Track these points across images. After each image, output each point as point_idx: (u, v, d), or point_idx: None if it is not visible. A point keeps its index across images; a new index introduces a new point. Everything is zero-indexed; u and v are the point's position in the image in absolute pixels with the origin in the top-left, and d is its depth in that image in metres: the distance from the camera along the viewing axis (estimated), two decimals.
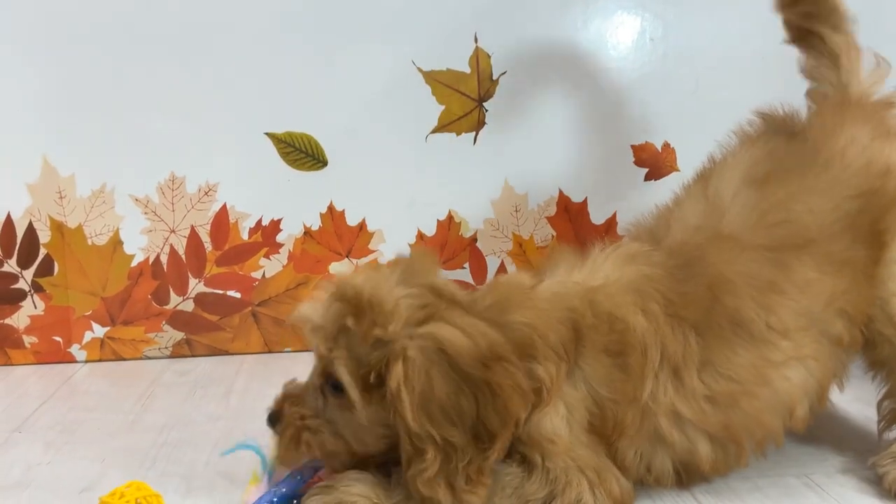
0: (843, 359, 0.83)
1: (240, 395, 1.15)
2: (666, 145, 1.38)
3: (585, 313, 0.77)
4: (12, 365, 1.31)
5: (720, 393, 0.78)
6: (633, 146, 1.38)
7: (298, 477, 0.78)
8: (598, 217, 1.39)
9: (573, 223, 1.39)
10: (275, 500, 0.76)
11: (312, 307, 0.75)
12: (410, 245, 1.35)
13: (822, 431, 0.96)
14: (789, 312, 0.79)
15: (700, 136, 1.37)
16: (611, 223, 1.39)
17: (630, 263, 0.81)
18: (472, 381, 0.69)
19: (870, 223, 0.82)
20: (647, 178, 1.38)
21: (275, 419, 0.78)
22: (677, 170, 1.38)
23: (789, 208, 0.81)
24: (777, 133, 0.90)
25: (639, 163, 1.38)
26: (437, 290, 0.74)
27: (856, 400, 1.01)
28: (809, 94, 0.97)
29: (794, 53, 1.37)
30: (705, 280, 0.79)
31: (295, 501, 0.76)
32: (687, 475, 0.80)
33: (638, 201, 1.37)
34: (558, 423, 0.75)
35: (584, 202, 1.38)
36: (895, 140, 0.86)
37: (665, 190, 1.33)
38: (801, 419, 0.81)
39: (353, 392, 0.71)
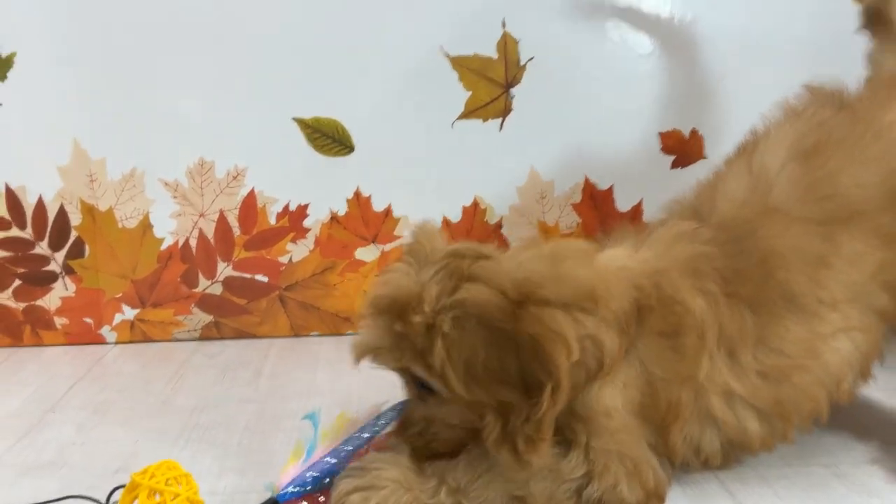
0: (886, 331, 0.83)
1: (269, 379, 1.17)
2: (694, 132, 1.37)
3: (650, 294, 0.76)
4: (44, 346, 1.33)
5: (772, 367, 0.78)
6: (660, 133, 1.37)
7: (334, 461, 0.79)
8: (624, 204, 1.39)
9: (598, 210, 1.39)
10: (307, 477, 0.77)
11: (365, 335, 0.75)
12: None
13: (850, 421, 0.96)
14: (838, 285, 0.79)
15: (728, 123, 1.39)
16: (636, 210, 1.39)
17: (683, 243, 0.81)
18: (506, 335, 0.68)
19: None
20: (675, 165, 1.38)
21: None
22: (704, 157, 1.38)
23: (837, 181, 0.81)
24: (824, 106, 0.88)
25: (666, 150, 1.38)
26: (458, 253, 0.73)
27: (882, 389, 1.01)
28: (868, 80, 0.96)
29: (823, 40, 1.37)
30: (757, 255, 0.79)
31: (326, 480, 0.77)
32: (735, 453, 0.81)
33: (665, 189, 1.35)
34: (617, 396, 0.75)
35: (610, 189, 1.38)
36: None
37: (692, 177, 1.32)
38: (846, 391, 0.81)
39: (433, 382, 0.72)
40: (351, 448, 0.81)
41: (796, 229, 0.80)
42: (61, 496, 0.80)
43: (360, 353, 0.75)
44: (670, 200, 0.92)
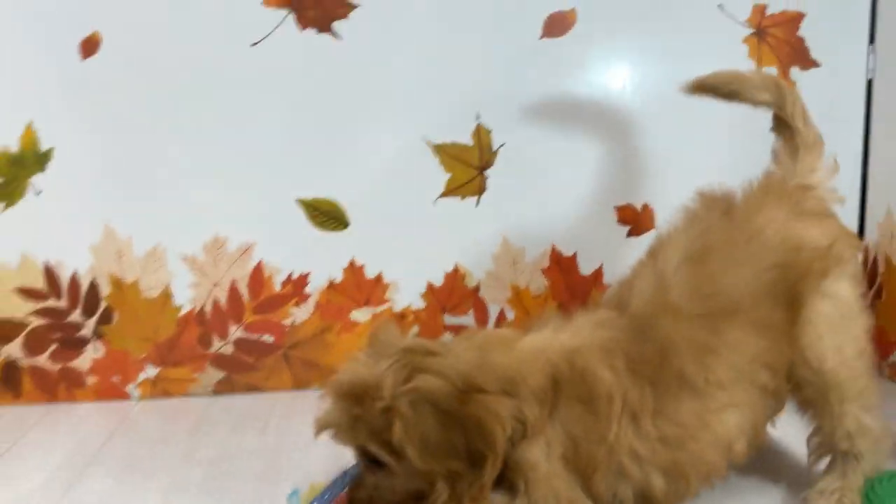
0: (770, 403, 0.99)
1: (276, 431, 1.34)
2: (645, 206, 1.56)
3: (564, 368, 0.91)
4: (76, 401, 1.51)
5: (669, 436, 0.93)
6: (616, 207, 1.56)
7: None
8: (586, 269, 1.57)
9: (564, 274, 1.57)
10: None
11: (325, 415, 0.88)
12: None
13: (763, 467, 1.14)
14: (723, 368, 0.93)
15: (675, 197, 1.57)
16: (597, 274, 1.57)
17: (601, 328, 0.97)
18: (455, 417, 0.81)
19: (786, 290, 0.97)
20: (630, 234, 1.57)
21: None
22: (655, 228, 1.56)
23: (719, 281, 0.96)
24: (712, 210, 1.05)
25: (622, 221, 1.57)
26: (410, 349, 0.88)
27: (791, 437, 1.17)
28: (761, 177, 1.11)
29: (762, 122, 1.56)
30: (657, 343, 0.94)
31: None
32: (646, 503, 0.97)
33: (622, 255, 1.56)
34: (538, 454, 0.89)
35: (574, 256, 1.57)
36: (807, 220, 1.01)
37: (645, 245, 1.52)
38: (739, 453, 0.96)
39: (385, 457, 0.85)
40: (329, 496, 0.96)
41: (687, 323, 0.94)
42: None
43: (320, 430, 0.89)
44: (607, 290, 1.08)
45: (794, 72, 1.55)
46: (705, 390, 0.94)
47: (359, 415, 0.85)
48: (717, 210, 1.05)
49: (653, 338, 0.95)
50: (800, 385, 1.00)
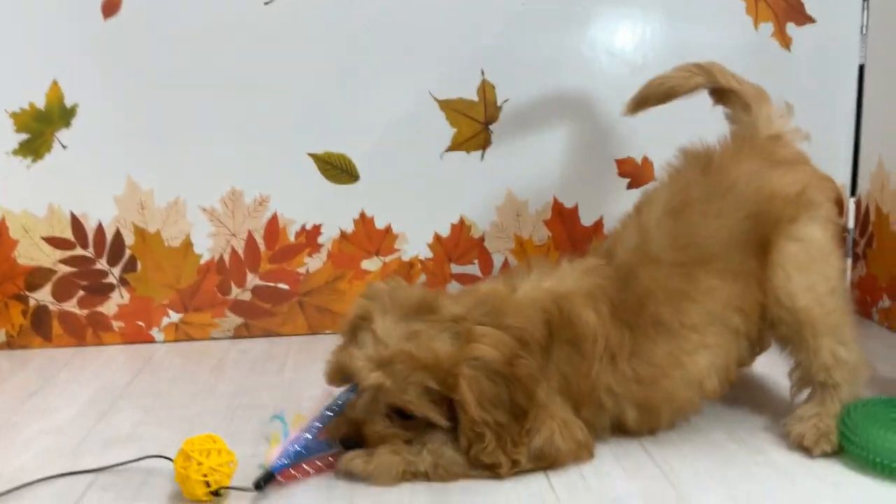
0: (743, 345, 1.09)
1: (291, 370, 1.43)
2: (645, 159, 1.62)
3: (555, 314, 1.02)
4: (104, 345, 1.60)
5: (643, 376, 1.04)
6: (616, 160, 1.62)
7: (308, 435, 1.00)
8: (587, 220, 1.64)
9: (566, 225, 1.64)
10: (291, 451, 0.99)
11: (379, 374, 0.96)
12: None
13: (750, 398, 1.22)
14: (697, 312, 1.04)
15: (674, 150, 1.63)
16: (598, 225, 1.64)
17: (588, 275, 1.07)
18: (505, 378, 0.95)
19: (759, 238, 1.06)
20: (629, 186, 1.63)
21: (352, 443, 0.99)
22: (655, 179, 1.62)
23: (695, 232, 1.06)
24: (693, 166, 1.13)
25: (622, 174, 1.63)
26: (454, 317, 0.98)
27: (778, 370, 1.22)
28: (731, 134, 1.20)
29: (758, 72, 1.61)
30: (637, 291, 1.05)
31: (304, 452, 0.99)
32: (620, 431, 1.08)
33: (622, 206, 1.60)
34: (540, 392, 1.00)
35: (575, 207, 1.63)
36: (779, 168, 1.09)
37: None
38: (711, 390, 1.06)
39: (441, 421, 0.97)
40: (319, 423, 1.01)
41: (665, 272, 1.05)
42: (141, 457, 1.06)
43: (369, 388, 0.97)
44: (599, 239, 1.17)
45: (790, 27, 1.60)
46: (679, 332, 1.04)
47: (430, 387, 0.96)
48: (696, 166, 1.13)
49: (633, 286, 1.05)
50: (775, 324, 1.08)
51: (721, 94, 1.21)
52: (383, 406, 0.99)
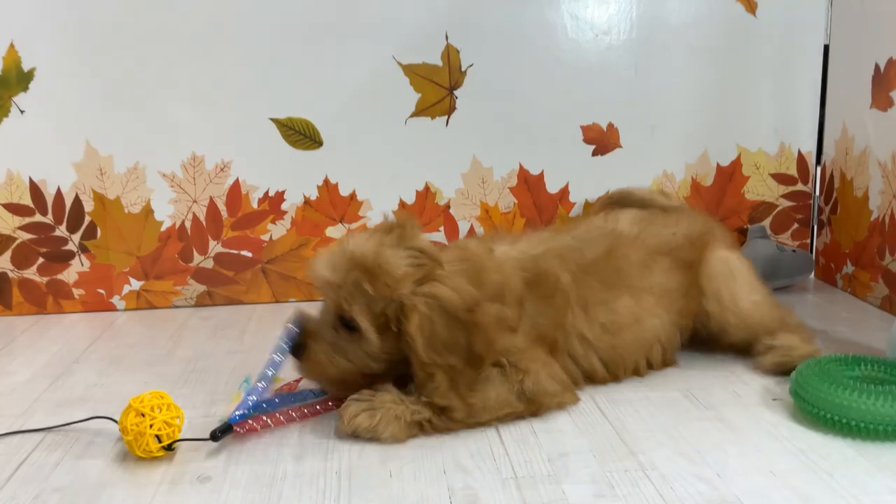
0: (678, 332, 1.21)
1: (252, 336, 1.42)
2: (610, 125, 1.62)
3: (531, 271, 1.08)
4: (64, 313, 1.58)
5: (610, 322, 1.12)
6: (581, 126, 1.61)
7: (261, 384, 1.01)
8: (553, 187, 1.63)
9: (531, 192, 1.63)
10: (250, 404, 0.99)
11: (328, 268, 0.99)
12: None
13: (708, 360, 1.23)
14: (654, 283, 1.18)
15: (639, 117, 1.63)
16: (564, 192, 1.63)
17: (552, 240, 1.15)
18: (462, 323, 0.96)
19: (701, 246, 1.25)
20: (595, 153, 1.62)
21: (299, 351, 1.02)
22: (620, 146, 1.62)
23: (660, 233, 1.24)
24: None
25: (587, 140, 1.62)
26: (426, 253, 1.00)
27: None
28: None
29: (716, 51, 1.61)
30: (606, 249, 1.16)
31: (263, 405, 1.01)
32: (588, 381, 1.13)
33: (587, 173, 1.62)
34: (517, 339, 1.04)
35: (541, 174, 1.63)
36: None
37: (609, 164, 1.60)
38: (655, 359, 1.19)
39: (371, 334, 0.98)
40: (271, 370, 1.02)
41: (633, 246, 1.19)
42: (89, 417, 1.05)
43: (319, 282, 1.01)
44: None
45: None
46: (639, 292, 1.17)
47: (365, 289, 0.97)
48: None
49: (604, 245, 1.17)
50: (726, 330, 1.22)
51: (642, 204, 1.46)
52: (332, 315, 1.01)
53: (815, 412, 0.99)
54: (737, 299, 1.21)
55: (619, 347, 1.14)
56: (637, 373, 1.17)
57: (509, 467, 0.91)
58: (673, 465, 0.91)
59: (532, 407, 1.03)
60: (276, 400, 1.05)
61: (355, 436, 0.98)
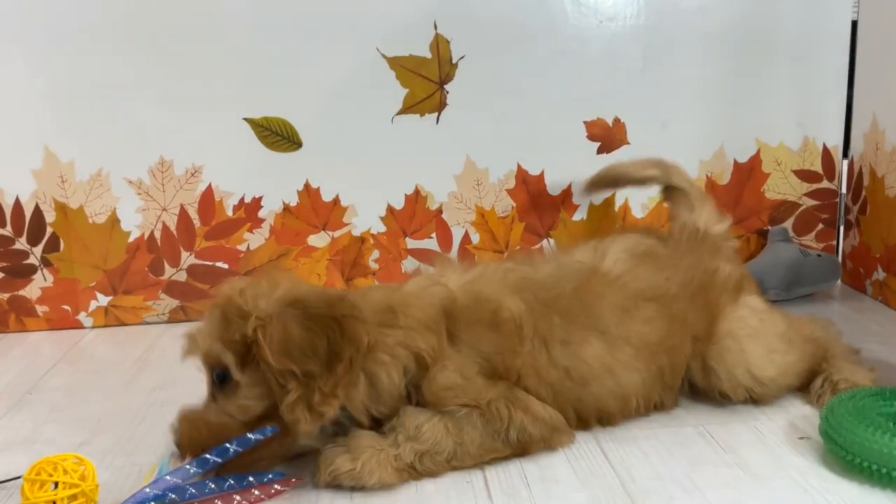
0: (661, 389, 1.03)
1: None
2: (616, 120, 1.48)
3: (459, 297, 0.95)
4: (27, 331, 1.47)
5: (575, 372, 0.96)
6: (585, 122, 1.48)
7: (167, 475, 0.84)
8: (554, 188, 1.50)
9: (531, 194, 1.50)
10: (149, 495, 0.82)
11: (197, 332, 0.91)
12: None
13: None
14: (633, 331, 1.00)
15: (648, 111, 1.50)
16: (566, 194, 1.50)
17: (513, 270, 1.02)
18: (321, 321, 0.85)
19: (704, 301, 1.05)
20: (600, 151, 1.49)
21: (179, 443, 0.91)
22: (627, 143, 1.49)
23: (654, 276, 1.04)
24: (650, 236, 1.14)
25: (591, 137, 1.49)
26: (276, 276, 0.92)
27: None
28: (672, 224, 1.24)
29: (734, 36, 1.47)
30: (576, 285, 1.00)
31: (172, 495, 0.83)
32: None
33: (591, 172, 1.48)
34: (450, 375, 0.91)
35: (542, 175, 1.50)
36: (719, 255, 1.12)
37: (616, 162, 1.45)
38: (635, 409, 1.01)
39: (229, 359, 0.87)
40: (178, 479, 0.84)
41: (613, 287, 1.02)
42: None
43: (191, 349, 0.93)
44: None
45: None
46: (615, 341, 0.99)
47: (222, 322, 0.88)
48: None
49: (571, 283, 1.01)
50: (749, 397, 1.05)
51: (671, 191, 1.26)
52: (210, 376, 0.92)
53: (849, 458, 0.86)
54: (759, 373, 1.03)
55: (587, 401, 0.98)
56: (613, 424, 1.01)
57: None
58: None
59: (518, 452, 0.93)
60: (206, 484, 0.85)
61: (335, 484, 0.87)
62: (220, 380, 0.90)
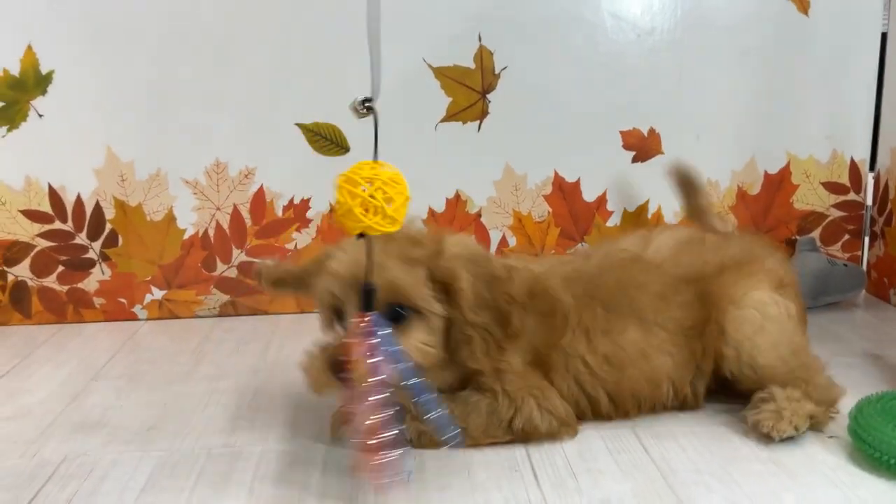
0: (694, 375, 1.08)
1: (276, 351, 1.37)
2: (651, 131, 1.54)
3: (535, 287, 1.02)
4: (85, 322, 1.54)
5: (614, 357, 1.03)
6: (621, 132, 1.54)
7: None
8: (590, 195, 1.56)
9: (567, 201, 1.56)
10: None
11: (354, 262, 0.89)
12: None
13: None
14: (668, 318, 1.06)
15: (683, 122, 1.55)
16: (601, 201, 1.56)
17: (566, 263, 1.10)
18: (490, 277, 0.95)
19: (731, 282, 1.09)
20: (635, 160, 1.55)
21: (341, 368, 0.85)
22: (662, 153, 1.54)
23: (696, 259, 1.09)
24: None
25: (627, 147, 1.54)
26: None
27: None
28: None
29: (768, 49, 1.53)
30: (620, 276, 1.07)
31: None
32: (596, 413, 1.05)
33: (625, 181, 1.55)
34: (512, 356, 0.98)
35: (578, 182, 1.55)
36: (772, 254, 1.15)
37: (650, 171, 1.52)
38: (664, 395, 1.07)
39: (424, 296, 0.91)
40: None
41: (653, 274, 1.07)
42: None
43: (350, 283, 0.89)
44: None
45: None
46: (651, 328, 1.05)
47: (412, 256, 0.92)
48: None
49: (615, 273, 1.07)
50: (739, 381, 1.08)
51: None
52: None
53: (876, 456, 0.91)
54: (756, 353, 1.04)
55: (623, 383, 1.04)
56: (650, 410, 1.07)
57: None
58: None
59: (520, 439, 1.00)
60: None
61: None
62: (393, 317, 0.90)
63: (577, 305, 1.03)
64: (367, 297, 0.84)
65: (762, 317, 1.05)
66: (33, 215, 1.48)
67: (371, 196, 0.81)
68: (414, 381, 0.85)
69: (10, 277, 1.51)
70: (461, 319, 0.92)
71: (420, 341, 0.92)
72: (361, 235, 0.81)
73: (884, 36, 1.53)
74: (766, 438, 0.99)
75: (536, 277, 1.03)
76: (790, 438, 0.99)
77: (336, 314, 0.94)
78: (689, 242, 1.12)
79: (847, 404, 1.00)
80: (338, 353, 0.86)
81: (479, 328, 0.93)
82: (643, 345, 1.04)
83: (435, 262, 0.93)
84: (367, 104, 0.85)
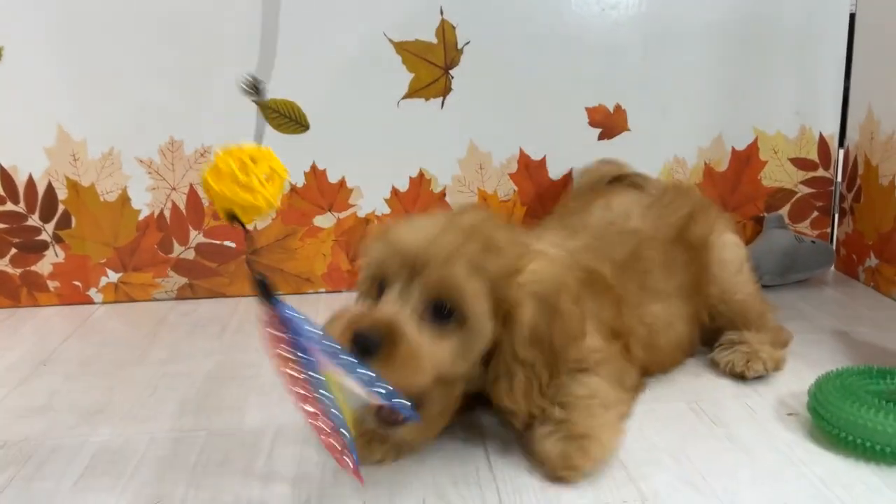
0: (698, 327, 1.15)
1: (233, 333, 1.33)
2: (618, 107, 1.51)
3: (583, 271, 0.97)
4: (39, 306, 1.50)
5: (649, 325, 1.05)
6: (587, 108, 1.51)
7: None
8: (555, 173, 1.53)
9: (532, 179, 1.53)
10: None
11: (428, 237, 0.83)
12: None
13: (711, 370, 1.14)
14: (676, 284, 1.10)
15: (649, 98, 1.52)
16: (567, 179, 1.53)
17: (575, 237, 1.07)
18: (552, 310, 0.85)
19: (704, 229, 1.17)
20: (601, 137, 1.52)
21: (372, 344, 0.77)
22: (628, 129, 1.51)
23: (665, 221, 1.14)
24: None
25: (593, 123, 1.51)
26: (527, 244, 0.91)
27: None
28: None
29: (733, 25, 1.50)
30: (631, 250, 1.08)
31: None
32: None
33: (592, 158, 1.52)
34: (594, 341, 0.94)
35: (543, 160, 1.53)
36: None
37: (616, 148, 1.49)
38: (684, 356, 1.14)
39: (485, 321, 0.84)
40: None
41: (653, 244, 1.10)
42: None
43: (408, 260, 0.82)
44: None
45: None
46: (668, 297, 1.09)
47: (484, 266, 0.83)
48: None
49: (626, 247, 1.08)
50: (713, 317, 1.16)
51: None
52: (420, 301, 0.82)
53: (835, 433, 0.89)
54: (734, 290, 1.15)
55: (659, 351, 1.07)
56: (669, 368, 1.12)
57: (496, 497, 0.83)
58: (678, 496, 0.82)
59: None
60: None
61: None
62: (441, 315, 0.83)
63: (615, 278, 1.03)
64: (261, 287, 0.78)
65: (738, 257, 1.16)
66: None
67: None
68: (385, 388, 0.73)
69: None
70: (509, 351, 0.85)
71: (453, 352, 0.83)
72: (235, 219, 0.76)
73: (852, 15, 1.51)
74: (739, 378, 1.08)
75: (580, 259, 0.99)
76: (760, 378, 1.08)
77: (378, 287, 0.87)
78: (650, 206, 1.16)
79: (811, 381, 0.98)
80: (358, 322, 0.79)
81: (527, 366, 0.85)
82: (665, 314, 1.07)
83: (505, 282, 0.84)
84: (255, 86, 0.78)
